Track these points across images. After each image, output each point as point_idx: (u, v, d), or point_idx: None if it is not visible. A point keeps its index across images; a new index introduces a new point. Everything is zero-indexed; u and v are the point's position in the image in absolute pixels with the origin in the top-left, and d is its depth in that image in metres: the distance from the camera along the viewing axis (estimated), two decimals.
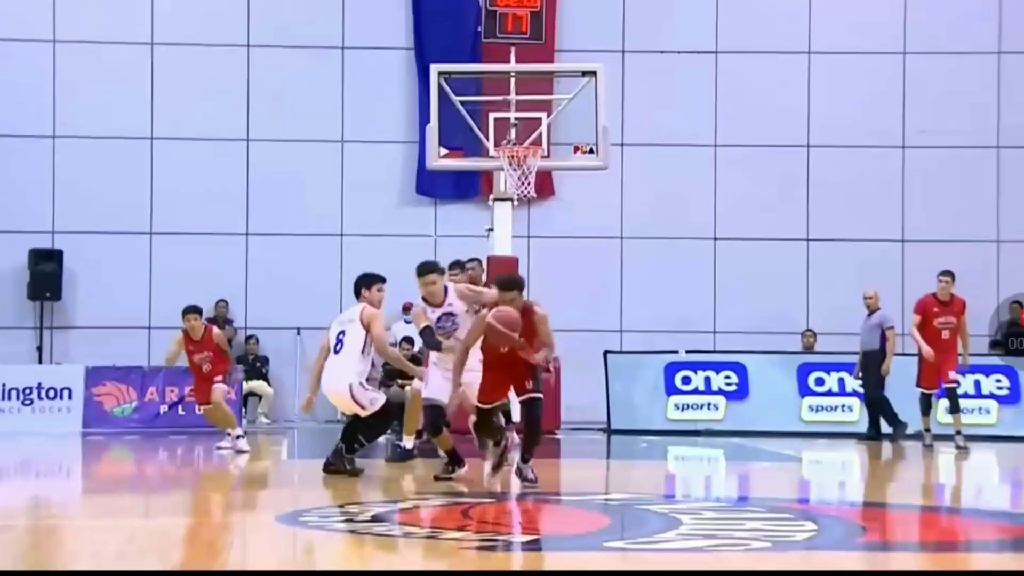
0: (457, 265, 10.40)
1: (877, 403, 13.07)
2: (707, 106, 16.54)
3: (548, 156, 13.38)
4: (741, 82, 16.54)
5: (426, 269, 8.26)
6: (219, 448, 11.50)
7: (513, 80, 13.08)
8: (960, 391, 13.71)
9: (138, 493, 9.14)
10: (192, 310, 11.55)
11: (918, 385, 13.10)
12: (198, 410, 12.67)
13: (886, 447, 13.33)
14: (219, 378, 11.66)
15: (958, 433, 12.87)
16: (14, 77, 15.64)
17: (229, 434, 11.55)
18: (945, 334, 13.01)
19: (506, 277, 8.40)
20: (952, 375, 12.85)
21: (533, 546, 6.32)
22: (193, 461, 12.43)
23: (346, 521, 6.90)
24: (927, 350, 12.97)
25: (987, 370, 14.69)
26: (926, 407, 12.98)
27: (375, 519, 6.79)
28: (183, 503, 8.65)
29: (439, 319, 8.22)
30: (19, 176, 15.49)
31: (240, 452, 11.32)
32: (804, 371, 14.80)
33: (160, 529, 7.05)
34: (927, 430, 12.96)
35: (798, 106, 16.59)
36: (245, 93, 16.09)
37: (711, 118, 16.52)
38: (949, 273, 13.15)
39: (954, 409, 12.88)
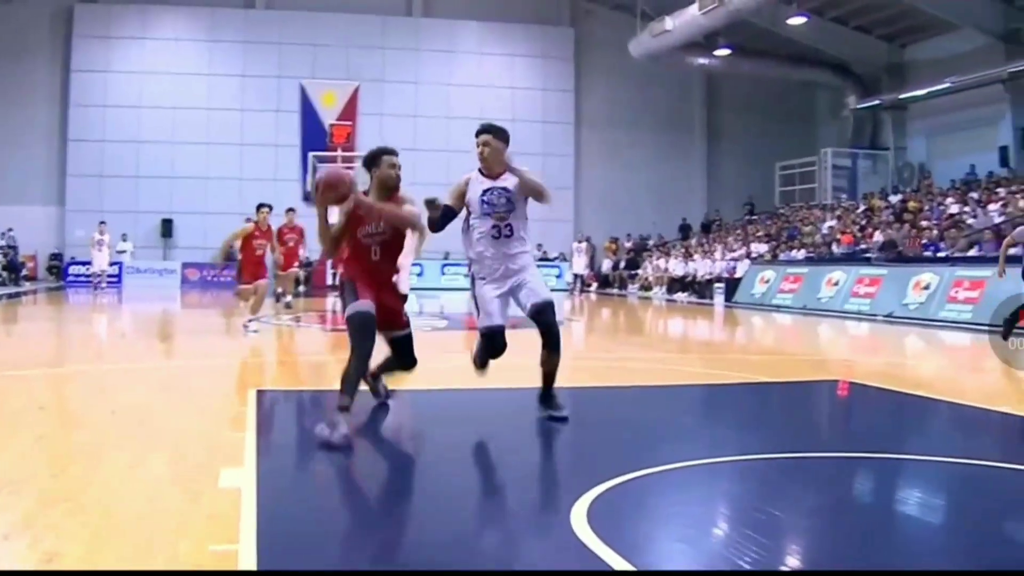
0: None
1: None
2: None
3: None
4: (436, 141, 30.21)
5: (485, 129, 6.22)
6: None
7: (340, 155, 24.42)
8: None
9: None
10: (263, 206, 12.77)
11: None
12: (236, 291, 13.26)
13: None
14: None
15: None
16: None
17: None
18: None
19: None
20: None
21: None
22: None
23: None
24: None
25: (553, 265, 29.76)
26: None
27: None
28: None
29: (487, 191, 6.11)
30: None
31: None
32: (444, 267, 29.80)
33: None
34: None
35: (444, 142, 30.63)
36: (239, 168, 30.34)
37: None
38: None
39: None
